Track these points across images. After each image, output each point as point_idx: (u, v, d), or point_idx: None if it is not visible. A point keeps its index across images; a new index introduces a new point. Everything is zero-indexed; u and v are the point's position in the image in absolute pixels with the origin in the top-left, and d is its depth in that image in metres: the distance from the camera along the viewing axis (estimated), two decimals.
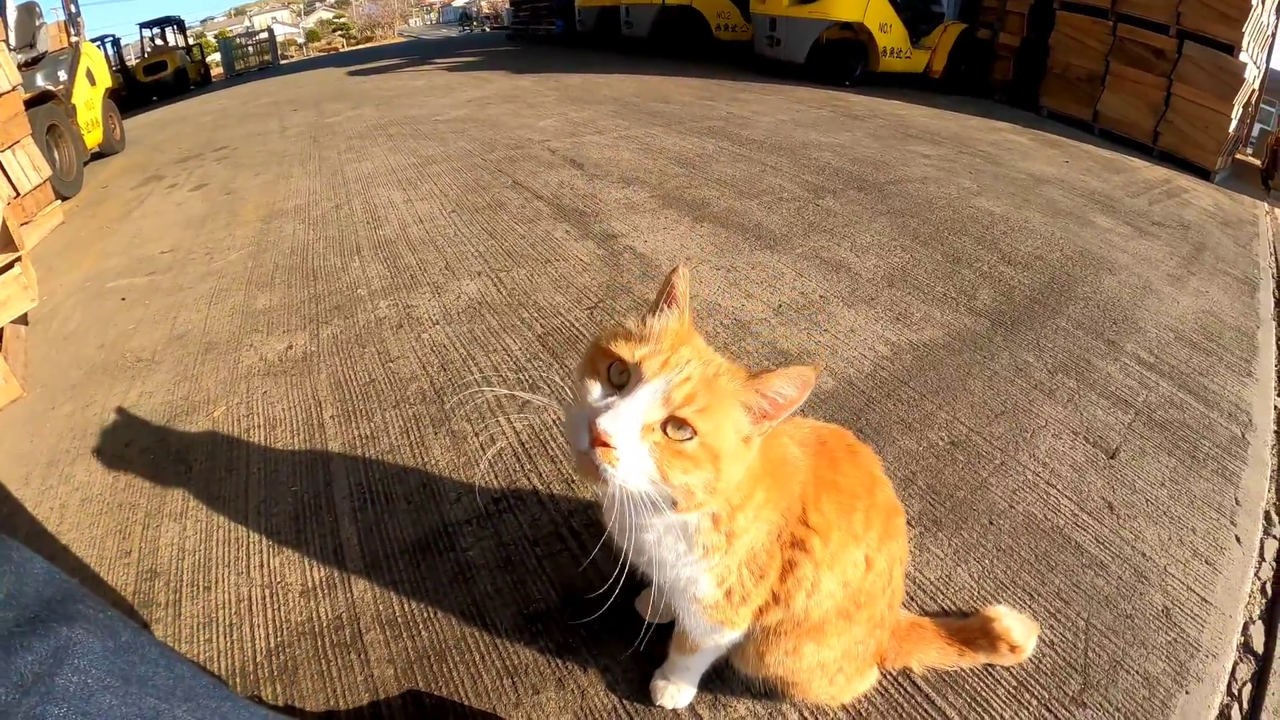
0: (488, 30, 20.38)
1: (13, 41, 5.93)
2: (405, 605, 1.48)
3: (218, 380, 2.45)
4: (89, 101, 6.83)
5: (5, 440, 2.27)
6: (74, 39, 7.32)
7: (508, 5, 15.99)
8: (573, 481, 1.79)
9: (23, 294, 2.85)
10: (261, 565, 1.61)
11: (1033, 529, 1.65)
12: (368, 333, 2.63)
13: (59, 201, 5.06)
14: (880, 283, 2.84)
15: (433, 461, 1.91)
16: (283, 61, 21.03)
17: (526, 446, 1.94)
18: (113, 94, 7.79)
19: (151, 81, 14.40)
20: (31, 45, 6.51)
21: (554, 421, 2.03)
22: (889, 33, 7.23)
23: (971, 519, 1.67)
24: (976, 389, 2.18)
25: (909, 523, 1.63)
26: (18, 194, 4.44)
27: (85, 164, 6.33)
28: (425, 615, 1.45)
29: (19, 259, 2.86)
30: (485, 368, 2.32)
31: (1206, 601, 1.49)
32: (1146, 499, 1.77)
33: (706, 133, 5.18)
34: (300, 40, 32.57)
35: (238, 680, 1.35)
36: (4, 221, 3.24)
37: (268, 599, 1.52)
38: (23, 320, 3.03)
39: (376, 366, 2.40)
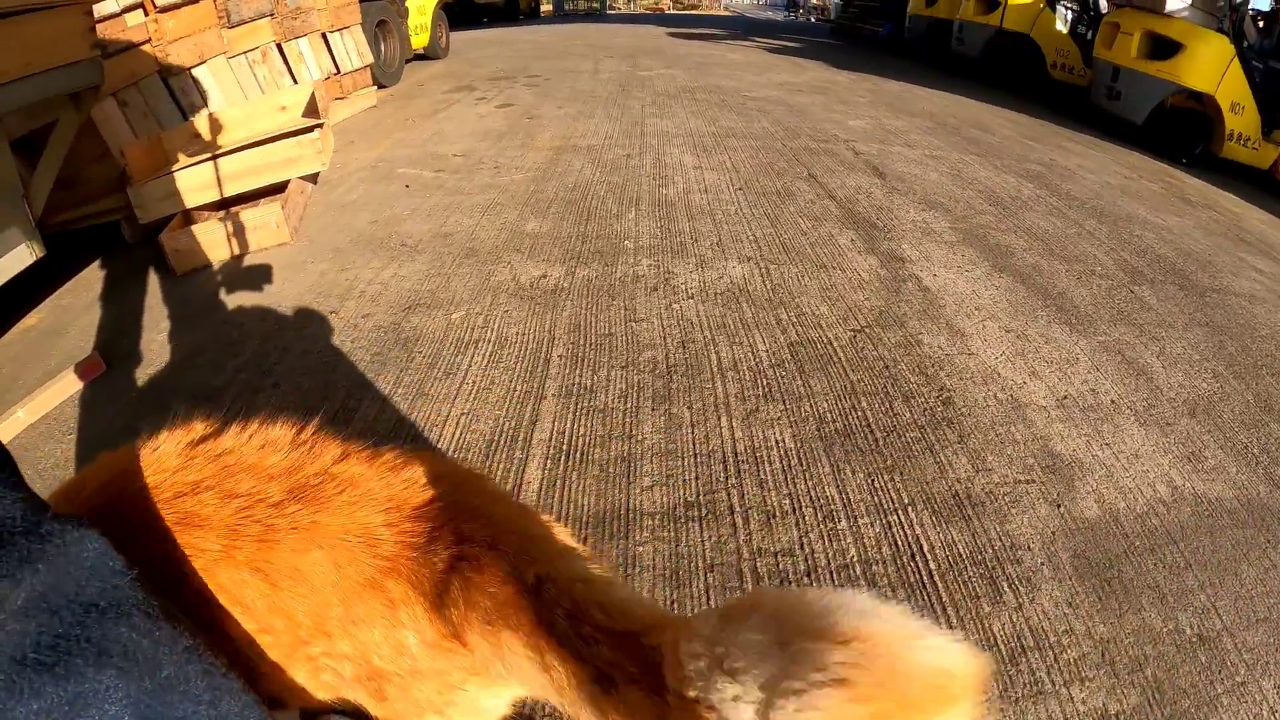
0: (813, 20, 20.26)
1: None
2: None
3: (467, 286, 2.54)
4: (421, 8, 7.72)
5: (259, 278, 2.51)
6: None
7: None
8: (772, 517, 1.62)
9: (315, 157, 3.20)
10: None
11: None
12: (621, 286, 2.60)
13: (375, 88, 5.75)
14: (1181, 407, 2.34)
15: (640, 437, 1.81)
16: (609, 11, 22.41)
17: (739, 457, 1.78)
18: (446, 8, 8.70)
19: (484, 4, 16.00)
20: None
21: (777, 441, 1.84)
22: (1240, 115, 6.17)
23: None
24: (1248, 578, 1.72)
25: (1115, 716, 1.36)
26: (339, 71, 5.12)
27: (407, 62, 7.11)
28: None
29: (319, 126, 3.19)
30: (725, 360, 2.18)
31: None
32: None
33: (1024, 174, 4.67)
34: None
35: None
36: (314, 94, 3.67)
37: None
38: (312, 179, 3.38)
39: (619, 323, 2.35)
